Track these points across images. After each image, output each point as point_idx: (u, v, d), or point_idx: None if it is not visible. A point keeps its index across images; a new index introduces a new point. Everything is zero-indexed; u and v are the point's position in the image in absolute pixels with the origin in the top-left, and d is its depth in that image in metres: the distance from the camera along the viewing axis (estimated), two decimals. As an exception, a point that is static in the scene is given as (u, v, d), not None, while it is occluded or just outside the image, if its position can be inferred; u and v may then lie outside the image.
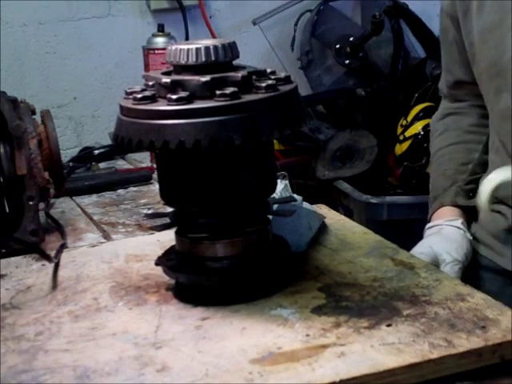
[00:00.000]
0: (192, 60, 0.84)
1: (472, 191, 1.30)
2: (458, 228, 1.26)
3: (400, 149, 2.20)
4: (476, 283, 1.10)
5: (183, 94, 0.82)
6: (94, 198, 1.44)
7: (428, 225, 1.30)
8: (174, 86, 0.84)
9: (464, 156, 1.35)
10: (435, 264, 1.13)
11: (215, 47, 0.84)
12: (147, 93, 0.85)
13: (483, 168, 1.32)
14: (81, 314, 0.90)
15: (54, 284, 0.99)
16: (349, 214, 2.02)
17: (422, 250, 1.18)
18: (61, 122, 2.22)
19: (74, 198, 1.43)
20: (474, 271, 1.27)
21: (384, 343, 0.78)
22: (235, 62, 0.89)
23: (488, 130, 1.32)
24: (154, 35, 1.75)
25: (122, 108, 0.87)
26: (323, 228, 1.12)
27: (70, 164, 1.67)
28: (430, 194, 1.37)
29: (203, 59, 0.84)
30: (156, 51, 1.68)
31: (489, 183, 1.04)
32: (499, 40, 1.17)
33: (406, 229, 1.96)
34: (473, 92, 1.35)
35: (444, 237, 1.24)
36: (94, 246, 1.14)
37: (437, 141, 1.41)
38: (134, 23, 2.29)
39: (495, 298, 0.87)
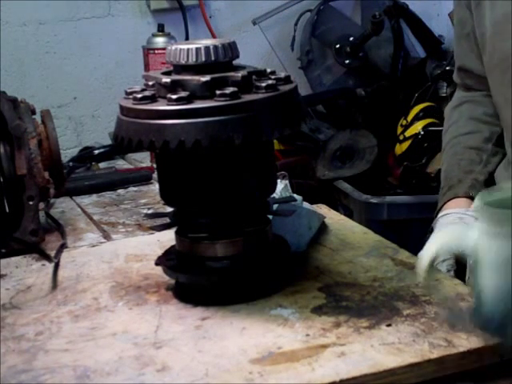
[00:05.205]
0: (192, 60, 0.84)
1: (486, 183, 1.29)
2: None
3: (400, 149, 2.20)
4: None
5: (183, 93, 0.82)
6: (94, 197, 1.44)
7: (441, 213, 1.26)
8: (174, 86, 0.84)
9: (479, 146, 1.35)
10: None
11: (215, 47, 0.84)
12: (147, 93, 0.85)
13: (496, 159, 1.33)
14: (81, 313, 0.90)
15: (54, 284, 0.99)
16: (349, 214, 2.01)
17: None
18: (61, 122, 2.21)
19: (74, 197, 1.43)
20: None
21: (384, 343, 0.78)
22: (235, 62, 0.89)
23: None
24: (154, 35, 1.74)
25: (121, 108, 0.87)
26: (323, 228, 1.12)
27: (70, 164, 1.67)
28: (442, 182, 1.34)
29: (203, 59, 0.84)
30: (156, 51, 1.68)
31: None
32: None
33: (406, 229, 1.96)
34: (480, 82, 1.36)
35: (468, 226, 1.20)
36: (93, 246, 1.14)
37: (452, 128, 1.41)
38: (134, 23, 2.28)
39: None
